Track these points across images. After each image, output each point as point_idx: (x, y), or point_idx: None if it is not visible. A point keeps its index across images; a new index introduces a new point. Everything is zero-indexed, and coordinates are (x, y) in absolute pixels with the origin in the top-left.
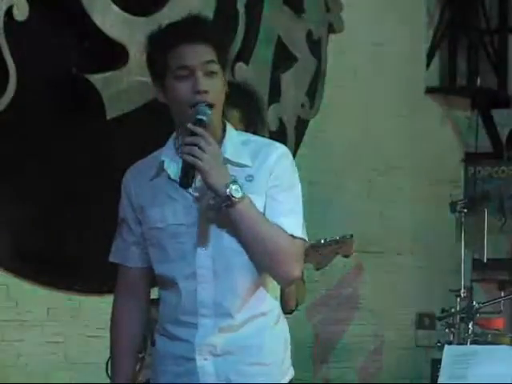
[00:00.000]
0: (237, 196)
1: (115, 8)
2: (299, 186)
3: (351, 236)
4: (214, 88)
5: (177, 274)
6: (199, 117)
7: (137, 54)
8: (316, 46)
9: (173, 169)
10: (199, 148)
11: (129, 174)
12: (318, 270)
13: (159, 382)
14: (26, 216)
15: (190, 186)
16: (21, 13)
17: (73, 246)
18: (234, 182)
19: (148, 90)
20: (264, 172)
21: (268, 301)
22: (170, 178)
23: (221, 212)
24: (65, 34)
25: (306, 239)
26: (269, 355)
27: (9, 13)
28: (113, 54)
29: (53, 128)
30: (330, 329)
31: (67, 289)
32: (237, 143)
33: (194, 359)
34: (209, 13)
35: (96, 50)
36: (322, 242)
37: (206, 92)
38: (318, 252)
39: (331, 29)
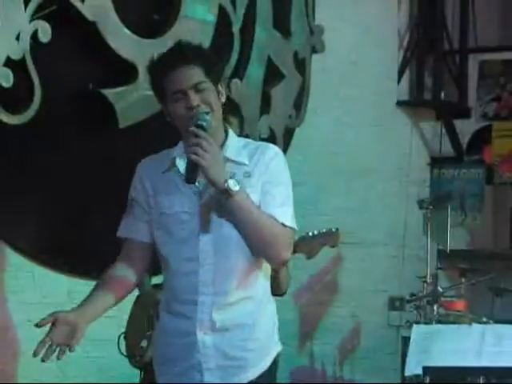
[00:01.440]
0: (234, 189)
1: (127, 31)
2: (290, 182)
3: (337, 229)
4: (206, 100)
5: (181, 256)
6: (199, 122)
7: (145, 71)
8: (301, 65)
9: (182, 165)
10: (201, 148)
11: (144, 164)
12: (308, 258)
13: (161, 352)
14: (50, 214)
15: (195, 182)
16: (45, 36)
17: (89, 239)
18: (232, 177)
19: (155, 103)
20: (259, 169)
21: (260, 284)
22: (179, 172)
23: (220, 204)
24: (83, 54)
25: (296, 228)
26: (260, 332)
27: (34, 36)
28: (124, 72)
29: (73, 136)
30: (314, 310)
31: (85, 275)
32: (237, 145)
33: (195, 333)
34: (208, 35)
35: (110, 68)
36: (311, 234)
37: (198, 106)
38: (307, 244)
39: (314, 50)
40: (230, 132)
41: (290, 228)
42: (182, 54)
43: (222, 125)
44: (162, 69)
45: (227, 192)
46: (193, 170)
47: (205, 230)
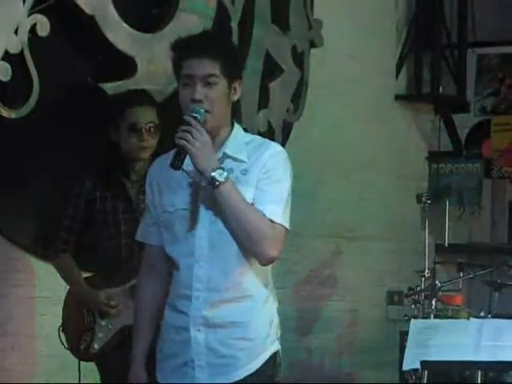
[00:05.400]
0: (219, 179)
1: (125, 26)
2: (288, 182)
3: None
4: (211, 96)
5: (179, 252)
6: (193, 114)
7: (144, 65)
8: (299, 59)
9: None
10: (191, 135)
11: (153, 165)
12: None
13: (163, 347)
14: (48, 208)
15: (180, 168)
16: (43, 29)
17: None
18: (220, 168)
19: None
20: (257, 167)
21: (256, 286)
22: (182, 168)
23: (213, 196)
24: (81, 48)
25: (287, 227)
26: (253, 332)
27: (33, 30)
28: (123, 66)
29: (71, 129)
30: (313, 304)
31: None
32: (240, 142)
33: (188, 330)
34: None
35: (108, 62)
36: None
37: (200, 101)
38: None
39: (312, 44)
40: (236, 128)
41: (280, 225)
42: (205, 44)
43: (229, 120)
44: (181, 52)
45: (213, 181)
46: (178, 155)
47: (201, 225)
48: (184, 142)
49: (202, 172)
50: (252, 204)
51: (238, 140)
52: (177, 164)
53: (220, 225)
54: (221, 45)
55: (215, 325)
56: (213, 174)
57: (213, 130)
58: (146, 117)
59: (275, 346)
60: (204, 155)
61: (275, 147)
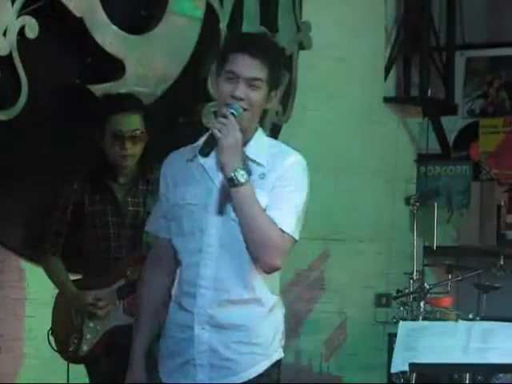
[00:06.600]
0: (240, 180)
1: (114, 27)
2: (304, 193)
3: None
4: (251, 98)
5: (186, 247)
6: (231, 111)
7: (133, 67)
8: (288, 61)
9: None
10: (226, 128)
11: (169, 157)
12: None
13: (165, 345)
14: (37, 210)
15: (208, 155)
16: (32, 31)
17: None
18: (243, 169)
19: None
20: (275, 173)
21: (265, 292)
22: (200, 162)
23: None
24: (70, 50)
25: (296, 238)
26: (257, 337)
27: (21, 31)
28: (111, 68)
29: (59, 132)
30: (301, 306)
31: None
32: (263, 146)
33: (193, 328)
34: (195, 31)
35: (97, 64)
36: None
37: (241, 99)
38: None
39: (301, 46)
40: (259, 132)
41: (289, 236)
42: (260, 46)
43: (256, 126)
44: (232, 47)
45: (232, 181)
46: (210, 143)
47: (213, 223)
48: (219, 134)
49: (225, 167)
50: (265, 209)
51: (260, 144)
52: (206, 151)
53: (233, 225)
54: (273, 52)
55: (220, 325)
56: (235, 172)
57: (244, 130)
58: (130, 124)
59: (279, 354)
60: (232, 152)
61: (296, 156)
